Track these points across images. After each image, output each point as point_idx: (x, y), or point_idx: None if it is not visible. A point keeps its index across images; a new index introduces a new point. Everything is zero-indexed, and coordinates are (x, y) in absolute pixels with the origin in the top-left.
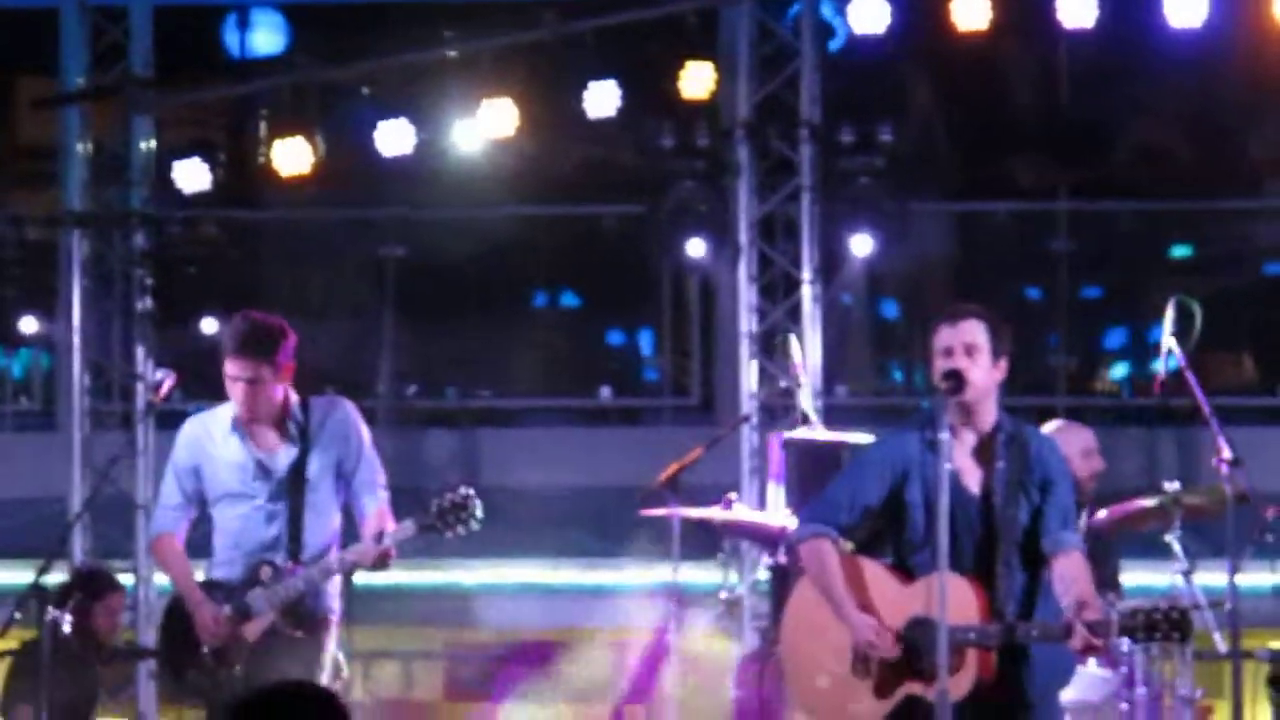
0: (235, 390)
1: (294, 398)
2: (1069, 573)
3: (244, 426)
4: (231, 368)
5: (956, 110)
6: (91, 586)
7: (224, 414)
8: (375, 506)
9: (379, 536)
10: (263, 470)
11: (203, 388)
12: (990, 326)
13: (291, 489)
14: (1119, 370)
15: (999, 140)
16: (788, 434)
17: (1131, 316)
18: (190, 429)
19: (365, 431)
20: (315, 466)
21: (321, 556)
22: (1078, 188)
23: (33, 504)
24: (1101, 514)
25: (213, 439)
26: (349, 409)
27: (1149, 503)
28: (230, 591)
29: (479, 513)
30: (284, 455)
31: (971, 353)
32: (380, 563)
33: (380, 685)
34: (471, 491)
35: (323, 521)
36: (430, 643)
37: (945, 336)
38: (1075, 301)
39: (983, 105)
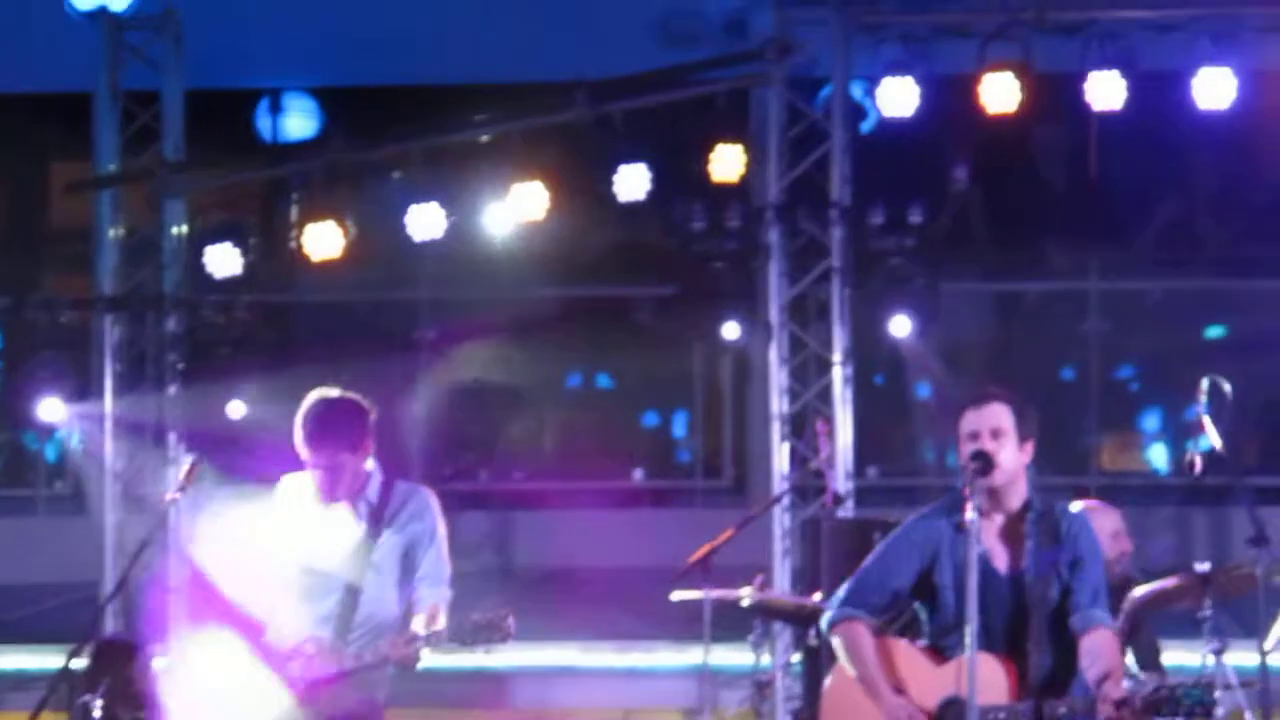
0: (315, 474)
1: (377, 477)
2: (1095, 649)
3: (322, 501)
4: (308, 455)
5: (987, 190)
6: (115, 662)
7: (311, 481)
8: (432, 601)
9: (414, 638)
10: (331, 545)
11: (233, 470)
12: (1015, 409)
13: (354, 567)
14: (1154, 450)
15: (1030, 220)
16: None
17: (1165, 396)
18: (279, 491)
19: (442, 525)
20: (383, 549)
21: (373, 638)
22: (1110, 267)
23: (65, 589)
24: (1138, 592)
25: (295, 504)
26: (430, 498)
27: (1181, 581)
28: (273, 659)
29: (513, 633)
30: (354, 533)
31: (998, 436)
32: (405, 661)
33: None
34: (509, 614)
35: (381, 604)
36: None
37: (971, 421)
38: (1109, 381)
39: (1014, 185)
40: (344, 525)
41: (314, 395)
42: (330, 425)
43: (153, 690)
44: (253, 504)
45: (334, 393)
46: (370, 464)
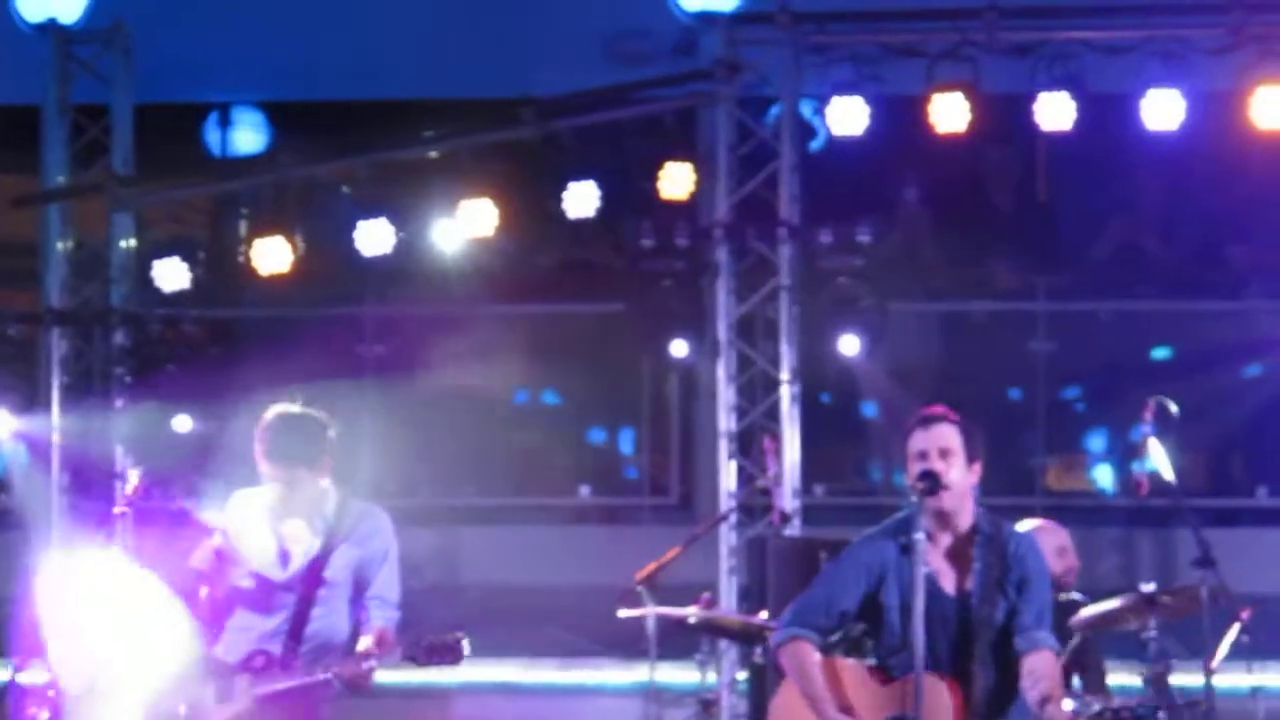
0: (271, 488)
1: (333, 494)
2: (1038, 670)
3: (276, 514)
4: (266, 468)
5: (936, 211)
6: None
7: (265, 494)
8: (381, 623)
9: (367, 656)
10: (284, 558)
11: (181, 485)
12: (963, 430)
13: (306, 582)
14: (1100, 471)
15: (978, 240)
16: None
17: (1111, 417)
18: (231, 505)
19: (395, 547)
20: (336, 565)
21: (320, 654)
22: (1057, 288)
23: (7, 602)
24: (1083, 613)
25: (249, 517)
26: (385, 520)
27: (1126, 602)
28: (220, 671)
29: (465, 656)
30: (308, 548)
31: (946, 456)
32: (356, 683)
33: None
34: (464, 637)
35: (331, 620)
36: None
37: (919, 440)
38: (1055, 402)
39: (962, 206)
40: (299, 540)
41: (274, 409)
42: (288, 440)
43: None
44: (203, 517)
45: (294, 408)
46: (326, 482)
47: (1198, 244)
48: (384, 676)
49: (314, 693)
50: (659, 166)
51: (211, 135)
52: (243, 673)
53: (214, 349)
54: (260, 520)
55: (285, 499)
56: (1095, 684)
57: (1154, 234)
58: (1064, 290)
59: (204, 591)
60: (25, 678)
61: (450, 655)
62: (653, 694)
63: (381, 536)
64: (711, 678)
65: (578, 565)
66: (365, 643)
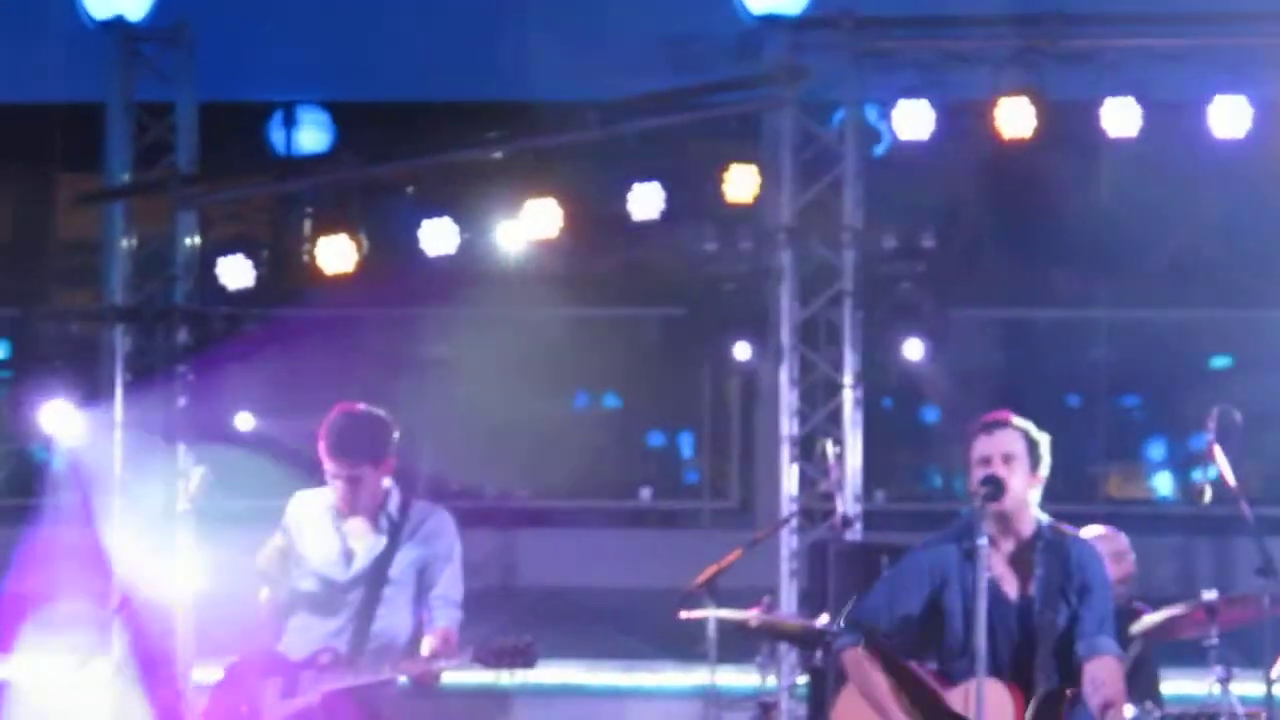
0: (335, 486)
1: (396, 494)
2: (1099, 676)
3: (339, 513)
4: (330, 466)
5: (999, 217)
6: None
7: (327, 495)
8: (445, 623)
9: (435, 657)
10: (347, 558)
11: (242, 484)
12: (1027, 436)
13: (370, 581)
14: (1159, 478)
15: (1040, 248)
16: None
17: (1170, 425)
18: (293, 505)
19: (459, 547)
20: (400, 564)
21: (385, 653)
22: (1117, 296)
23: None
24: (1145, 621)
25: (309, 515)
26: (449, 520)
27: (1187, 610)
28: (285, 667)
29: (536, 660)
30: (371, 546)
31: (1009, 461)
32: (424, 679)
33: None
34: (532, 640)
35: (395, 619)
36: None
37: (983, 446)
38: (1115, 410)
39: (1025, 212)
40: (362, 539)
41: (339, 408)
42: (352, 438)
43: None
44: (266, 516)
45: (358, 406)
46: (388, 481)
47: (1257, 252)
48: (445, 677)
49: (379, 691)
50: (723, 169)
51: (276, 134)
52: (308, 670)
53: (276, 348)
54: (322, 520)
55: (348, 498)
56: (1148, 691)
57: (1215, 242)
58: (1124, 298)
59: (264, 593)
60: None
61: (521, 659)
62: (712, 697)
63: (445, 536)
64: (771, 681)
65: (637, 568)
66: (429, 643)
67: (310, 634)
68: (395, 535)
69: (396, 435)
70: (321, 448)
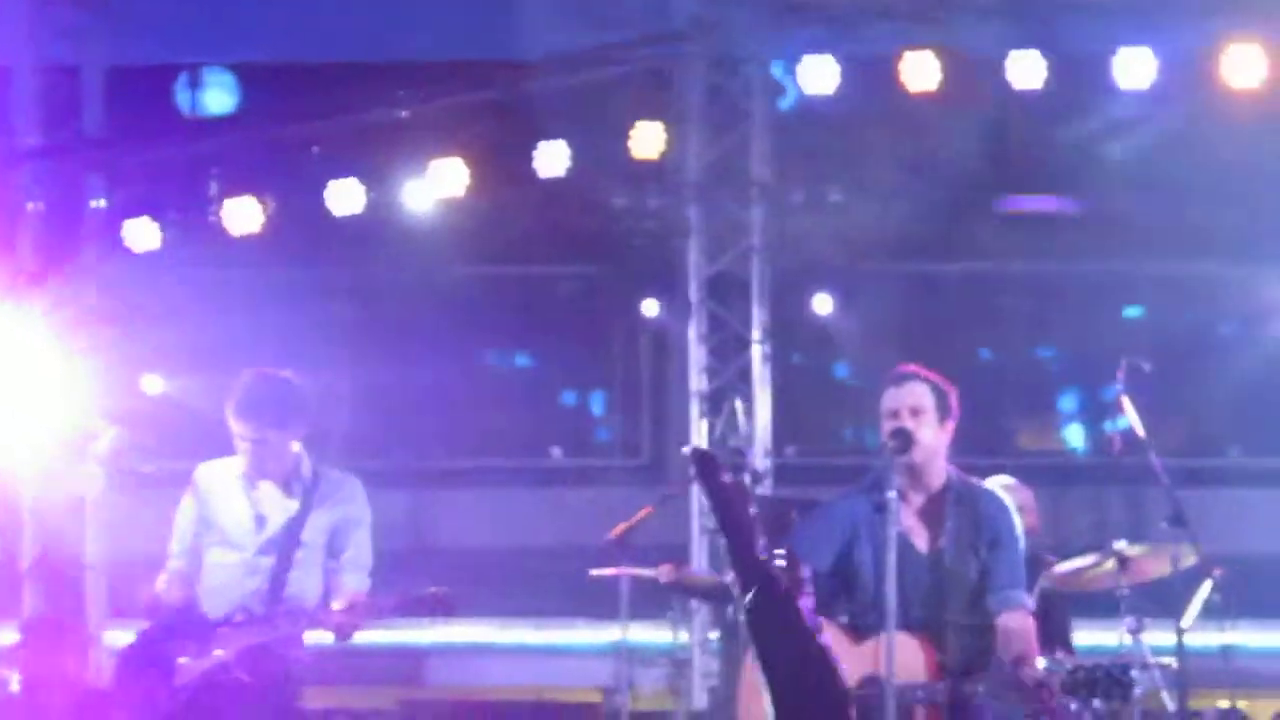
0: (240, 448)
1: (307, 461)
2: (1012, 629)
3: (249, 479)
4: (237, 427)
5: (907, 171)
6: (42, 641)
7: (235, 464)
8: (354, 587)
9: (355, 612)
10: (259, 523)
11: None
12: (935, 389)
13: (282, 545)
14: (1071, 430)
15: (951, 200)
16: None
17: (1082, 377)
18: (202, 473)
19: (369, 514)
20: (312, 529)
21: (298, 615)
22: (1030, 249)
23: None
24: (1055, 571)
25: (220, 485)
26: (359, 487)
27: (1098, 560)
28: (201, 626)
29: (455, 610)
30: (282, 511)
31: (917, 414)
32: (344, 627)
33: None
34: (451, 591)
35: (307, 583)
36: (383, 701)
37: (891, 399)
38: (1027, 362)
39: (933, 165)
40: (273, 504)
41: (249, 371)
42: (260, 400)
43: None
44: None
45: (268, 370)
46: (298, 447)
47: (1169, 203)
48: (359, 637)
49: (293, 649)
50: (630, 126)
51: (182, 96)
52: (223, 628)
53: (185, 309)
54: (233, 487)
55: (255, 462)
56: (1061, 641)
57: (1126, 193)
58: (1036, 250)
59: (174, 563)
60: None
61: (442, 606)
62: (625, 653)
63: (356, 503)
64: (684, 637)
65: (549, 526)
66: (338, 606)
67: (224, 597)
68: (307, 500)
69: (307, 398)
70: (230, 410)
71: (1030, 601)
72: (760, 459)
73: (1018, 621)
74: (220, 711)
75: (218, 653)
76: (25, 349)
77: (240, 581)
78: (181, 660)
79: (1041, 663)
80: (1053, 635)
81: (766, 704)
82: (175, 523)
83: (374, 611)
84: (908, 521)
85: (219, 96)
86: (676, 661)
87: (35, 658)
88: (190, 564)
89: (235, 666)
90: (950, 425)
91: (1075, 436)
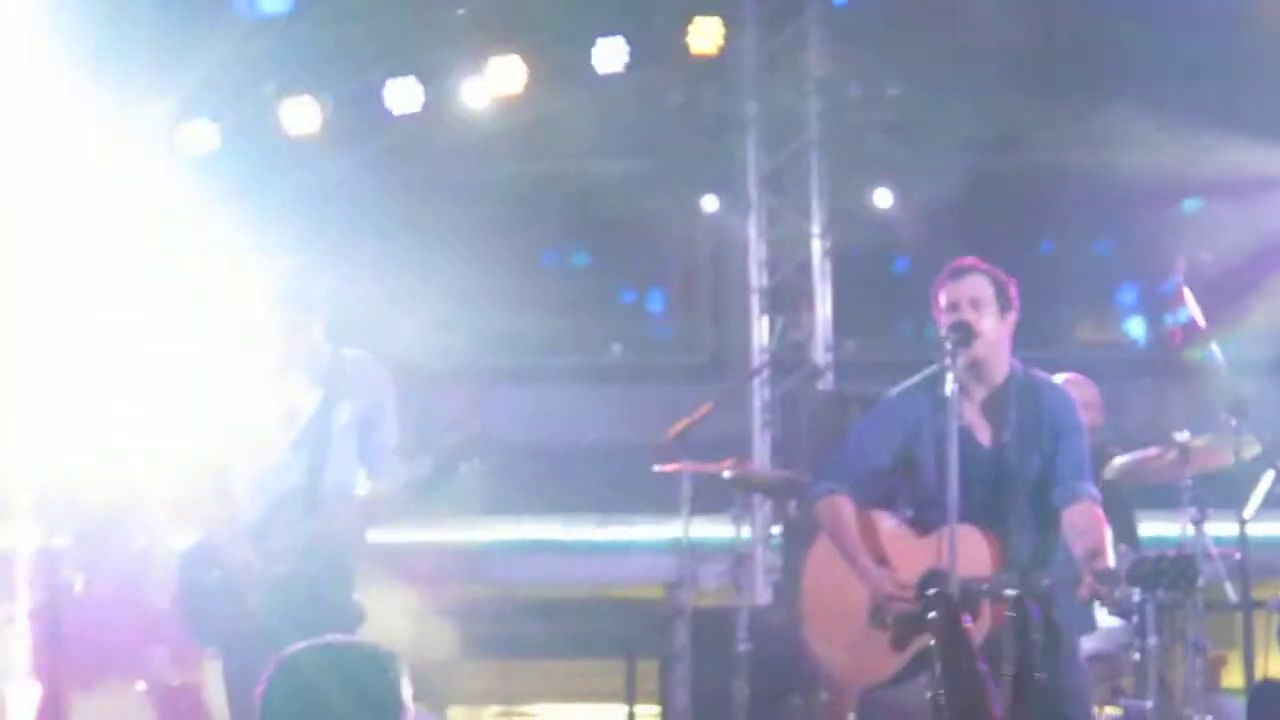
0: (265, 338)
1: (328, 348)
2: (1080, 523)
3: (275, 372)
4: (260, 315)
5: (966, 62)
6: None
7: (258, 358)
8: (388, 468)
9: (391, 485)
10: (291, 417)
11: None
12: (994, 280)
13: (315, 437)
14: (1132, 323)
15: (1010, 93)
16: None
17: (1141, 270)
18: (228, 366)
19: (393, 393)
20: (342, 417)
21: (341, 505)
22: (1090, 141)
23: None
24: (1116, 463)
25: (245, 383)
26: (381, 368)
27: (1159, 452)
28: (249, 536)
29: (491, 444)
30: (310, 401)
31: (977, 306)
32: (385, 508)
33: (393, 644)
34: (482, 424)
35: (345, 470)
36: (444, 601)
37: (950, 292)
38: (1086, 255)
39: (991, 56)
40: (301, 395)
41: (265, 260)
42: (285, 286)
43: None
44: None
45: (290, 258)
46: (319, 334)
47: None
48: (418, 535)
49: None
50: (687, 21)
51: None
52: (273, 533)
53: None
54: (259, 384)
55: (282, 354)
56: (1124, 534)
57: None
58: (1095, 141)
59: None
60: None
61: (477, 447)
62: (687, 550)
63: (380, 385)
64: (745, 533)
65: (610, 424)
66: (376, 488)
67: (263, 498)
68: (332, 386)
69: (326, 286)
70: (253, 299)
71: (1095, 492)
72: (820, 354)
73: (1085, 514)
74: (287, 612)
75: (280, 558)
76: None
77: (278, 480)
78: (244, 568)
79: (1111, 555)
80: (1117, 528)
81: (828, 600)
82: (195, 421)
83: (413, 480)
84: (970, 416)
85: None
86: (739, 557)
87: (90, 557)
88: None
89: (302, 567)
90: (1011, 318)
91: (1136, 329)
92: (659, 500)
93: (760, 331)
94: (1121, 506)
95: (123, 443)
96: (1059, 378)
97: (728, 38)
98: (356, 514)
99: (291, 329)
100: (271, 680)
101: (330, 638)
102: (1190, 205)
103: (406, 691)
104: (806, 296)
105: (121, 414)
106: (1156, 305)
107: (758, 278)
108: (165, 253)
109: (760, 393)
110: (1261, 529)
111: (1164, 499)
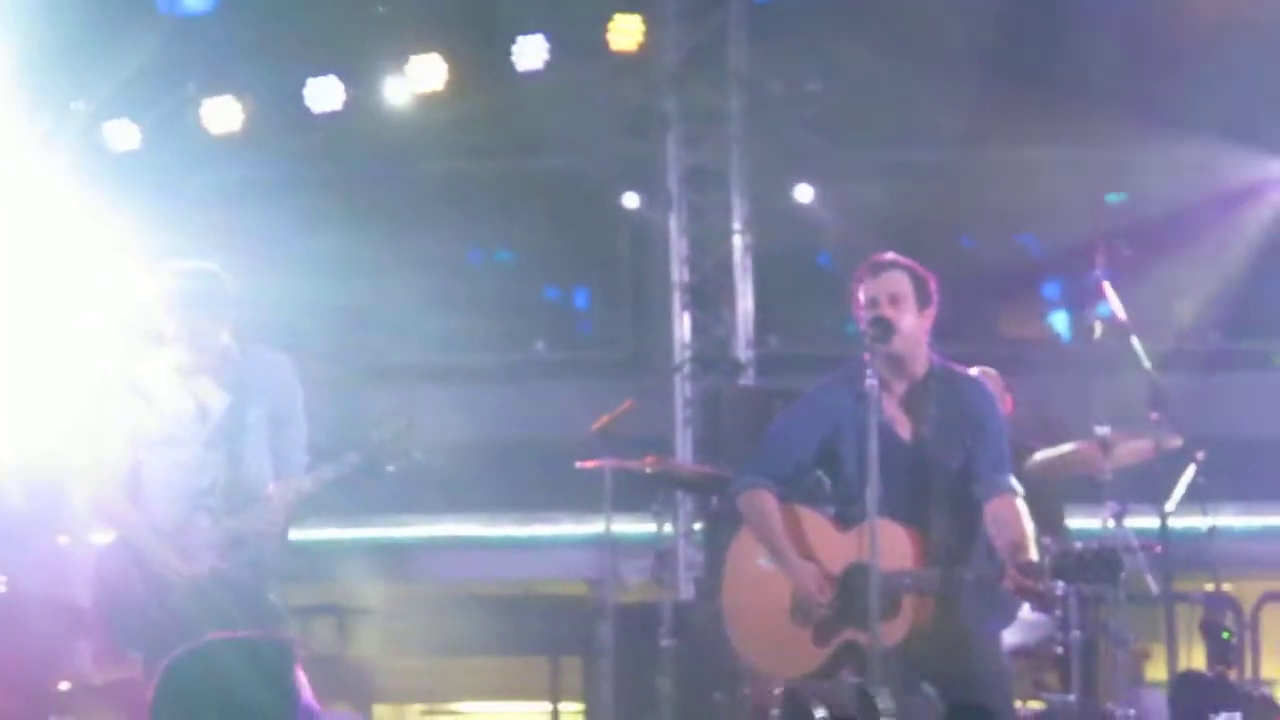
0: (173, 342)
1: (234, 345)
2: (1002, 516)
3: (185, 370)
4: (168, 321)
5: (886, 58)
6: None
7: (167, 358)
8: (300, 462)
9: (310, 476)
10: (203, 414)
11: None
12: (913, 276)
13: (228, 436)
14: (1056, 317)
15: (929, 87)
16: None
17: (1066, 265)
18: (130, 367)
19: (300, 390)
20: (253, 414)
21: (254, 503)
22: (1009, 134)
23: None
24: (1037, 458)
25: (155, 379)
26: (289, 364)
27: (1081, 446)
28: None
29: (417, 441)
30: (220, 400)
31: (896, 302)
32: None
33: (318, 641)
34: (409, 421)
35: (259, 470)
36: (368, 598)
37: (869, 288)
38: (1010, 249)
39: (911, 52)
40: (211, 394)
41: (172, 264)
42: (191, 292)
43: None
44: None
45: (190, 262)
46: (227, 335)
47: (1148, 89)
48: (344, 533)
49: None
50: (608, 18)
51: None
52: (189, 535)
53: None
54: (172, 379)
55: (192, 356)
56: (1052, 526)
57: (1109, 79)
58: (1016, 136)
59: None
60: None
61: (405, 441)
62: (610, 546)
63: (289, 379)
64: (668, 529)
65: (533, 420)
66: (288, 484)
67: (178, 498)
68: (243, 384)
69: (231, 288)
70: (160, 305)
71: (1017, 486)
72: (742, 350)
73: (1006, 507)
74: (208, 612)
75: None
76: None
77: (193, 479)
78: (164, 568)
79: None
80: (1042, 520)
81: (749, 595)
82: (105, 424)
83: (343, 468)
84: (890, 410)
85: None
86: (661, 553)
87: (11, 556)
88: (128, 469)
89: (221, 568)
90: (930, 312)
91: (1060, 323)
92: (582, 497)
93: (682, 327)
94: (1047, 499)
95: (41, 441)
96: (974, 371)
97: (648, 34)
98: (274, 510)
99: (199, 331)
100: (157, 691)
101: (213, 636)
102: (1113, 198)
103: (300, 684)
104: (728, 292)
105: (37, 412)
106: (1079, 299)
107: (679, 274)
108: (79, 253)
109: (682, 388)
110: (1182, 522)
111: (1086, 493)
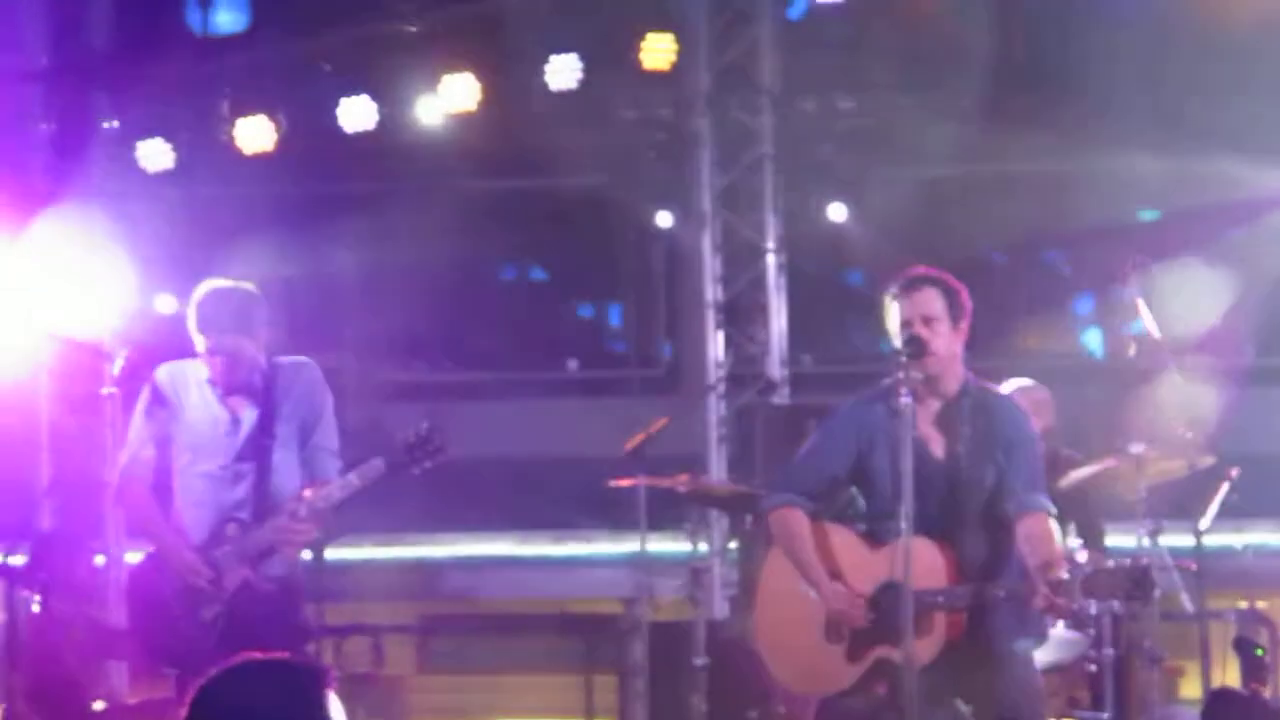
0: (210, 362)
1: (262, 358)
2: (1034, 533)
3: (215, 385)
4: (205, 343)
5: (916, 76)
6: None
7: (200, 367)
8: (328, 470)
9: (342, 485)
10: (234, 426)
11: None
12: (946, 290)
13: (258, 449)
14: (1088, 333)
15: (959, 104)
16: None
17: (1097, 280)
18: (164, 375)
19: (329, 398)
20: (283, 427)
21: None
22: (1039, 150)
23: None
24: (1072, 476)
25: (187, 389)
26: (317, 371)
27: (1115, 464)
28: (198, 552)
29: (446, 443)
30: (250, 414)
31: (930, 323)
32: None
33: (352, 660)
34: (435, 425)
35: (289, 483)
36: (402, 616)
37: (903, 309)
38: (1039, 265)
39: (942, 70)
40: (243, 407)
41: (205, 284)
42: (221, 312)
43: (93, 585)
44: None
45: (225, 281)
46: (259, 353)
47: (1181, 102)
48: (377, 552)
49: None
50: (640, 38)
51: (192, 15)
52: (222, 546)
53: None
54: (203, 390)
55: (225, 374)
56: (1092, 541)
57: (1139, 93)
58: (1047, 151)
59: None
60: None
61: (432, 445)
62: (644, 564)
63: (317, 387)
64: (702, 547)
65: (567, 439)
66: (315, 492)
67: (209, 511)
68: (270, 395)
69: (263, 307)
70: (191, 324)
71: (1049, 505)
72: (775, 368)
73: (1038, 525)
74: (244, 633)
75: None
76: (38, 272)
77: (225, 491)
78: (191, 574)
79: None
80: (1084, 535)
81: (783, 612)
82: (136, 423)
83: (370, 474)
84: (924, 428)
85: (230, 14)
86: (695, 571)
87: (47, 575)
88: (157, 477)
89: (255, 580)
90: (964, 326)
91: (1093, 340)
92: (616, 515)
93: (716, 346)
94: (1084, 513)
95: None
96: (1010, 384)
97: (680, 54)
98: (303, 518)
99: (233, 349)
100: (190, 713)
101: (248, 657)
102: (1146, 215)
103: (334, 707)
104: (761, 310)
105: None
106: (1112, 316)
107: (713, 292)
108: (113, 272)
109: (716, 407)
110: (1216, 539)
111: (1119, 510)
